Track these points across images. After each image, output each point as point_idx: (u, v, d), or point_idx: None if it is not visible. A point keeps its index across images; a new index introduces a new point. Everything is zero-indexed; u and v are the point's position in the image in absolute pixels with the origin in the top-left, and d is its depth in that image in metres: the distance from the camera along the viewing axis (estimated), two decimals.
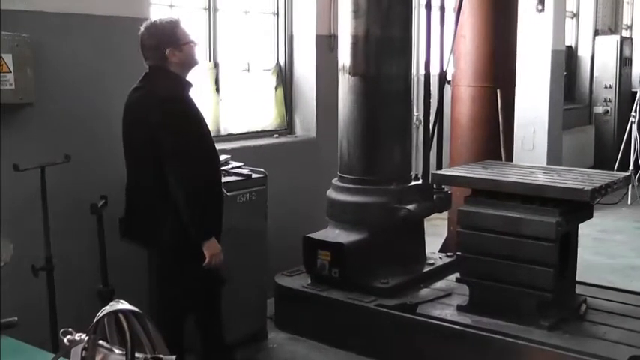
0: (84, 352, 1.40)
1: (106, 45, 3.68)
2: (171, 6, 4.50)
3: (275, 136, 5.25)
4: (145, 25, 3.19)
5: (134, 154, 3.20)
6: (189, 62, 3.20)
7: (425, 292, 4.13)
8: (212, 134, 4.67)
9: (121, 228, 3.31)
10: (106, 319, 1.51)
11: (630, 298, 4.10)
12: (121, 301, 2.22)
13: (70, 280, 3.51)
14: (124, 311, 1.71)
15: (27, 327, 2.45)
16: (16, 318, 2.65)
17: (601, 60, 9.96)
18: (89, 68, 3.68)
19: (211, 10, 4.76)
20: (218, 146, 4.46)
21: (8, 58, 3.21)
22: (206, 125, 3.25)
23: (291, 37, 5.29)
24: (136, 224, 3.24)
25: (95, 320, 1.47)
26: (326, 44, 5.18)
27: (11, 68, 3.22)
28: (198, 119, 3.17)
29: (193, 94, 3.25)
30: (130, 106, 3.18)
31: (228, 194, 3.68)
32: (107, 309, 1.83)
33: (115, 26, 3.40)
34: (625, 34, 11.29)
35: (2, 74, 3.19)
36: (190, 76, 3.24)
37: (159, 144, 3.01)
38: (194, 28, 4.64)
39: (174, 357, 1.42)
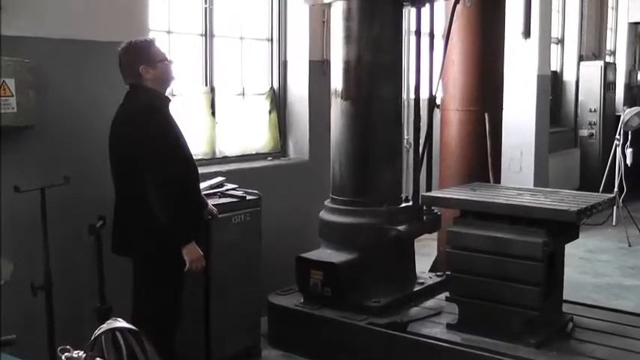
0: None
1: (105, 70, 3.73)
2: (168, 32, 4.59)
3: (269, 158, 5.31)
4: (122, 45, 3.35)
5: (118, 168, 3.32)
6: (164, 79, 3.36)
7: (415, 310, 4.17)
8: (208, 157, 4.83)
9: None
10: (103, 337, 1.57)
11: (616, 317, 4.15)
12: (119, 319, 2.28)
13: (69, 298, 3.55)
14: (121, 329, 1.77)
15: (25, 344, 2.50)
16: (14, 336, 2.71)
17: (586, 84, 10.10)
18: (89, 92, 3.76)
19: (207, 36, 4.85)
20: (213, 168, 4.58)
21: (11, 83, 3.29)
22: (183, 137, 3.36)
23: (285, 62, 5.38)
24: (122, 236, 3.34)
25: (93, 338, 1.53)
26: (319, 69, 5.26)
27: (14, 92, 3.30)
28: (174, 131, 3.30)
29: (172, 108, 3.40)
30: (113, 122, 3.32)
31: (219, 216, 3.77)
32: (104, 327, 1.88)
33: (115, 52, 3.48)
34: (608, 59, 11.45)
35: (5, 98, 3.27)
36: (168, 92, 3.43)
37: (136, 153, 3.15)
38: (191, 54, 4.78)
39: None
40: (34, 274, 3.26)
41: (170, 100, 3.40)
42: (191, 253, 3.23)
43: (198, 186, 3.56)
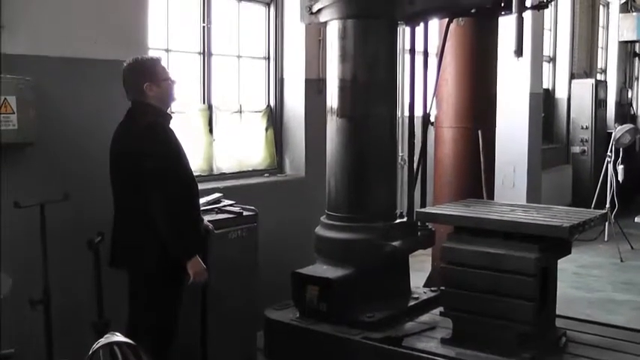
0: None
1: (105, 87, 3.81)
2: (167, 50, 4.66)
3: (266, 175, 5.37)
4: (127, 61, 3.42)
5: (119, 182, 3.38)
6: (167, 97, 3.44)
7: (410, 325, 4.17)
8: (205, 173, 4.88)
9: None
10: (101, 351, 1.61)
11: (608, 331, 4.16)
12: (116, 333, 2.32)
13: (67, 312, 3.58)
14: (118, 343, 1.81)
15: (24, 359, 2.53)
16: (13, 350, 2.74)
17: (577, 102, 10.23)
18: (89, 110, 3.82)
19: (205, 54, 4.93)
20: (211, 185, 4.63)
21: (12, 100, 3.35)
22: (185, 154, 3.43)
23: (282, 80, 5.45)
24: (121, 250, 3.38)
25: (90, 352, 1.57)
26: (315, 87, 5.33)
27: (15, 109, 3.36)
28: (177, 147, 3.36)
29: (173, 126, 3.47)
30: (116, 137, 3.38)
31: (216, 232, 3.81)
32: (102, 341, 1.92)
33: (114, 70, 3.54)
34: (599, 77, 11.60)
35: (6, 115, 3.32)
36: (169, 110, 3.51)
37: (141, 169, 3.19)
38: (189, 72, 4.84)
39: None
40: (33, 288, 3.29)
41: (171, 117, 3.47)
42: (195, 267, 3.29)
43: (199, 201, 3.61)
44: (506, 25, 5.34)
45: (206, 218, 3.84)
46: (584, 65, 10.83)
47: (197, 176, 3.93)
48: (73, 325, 3.58)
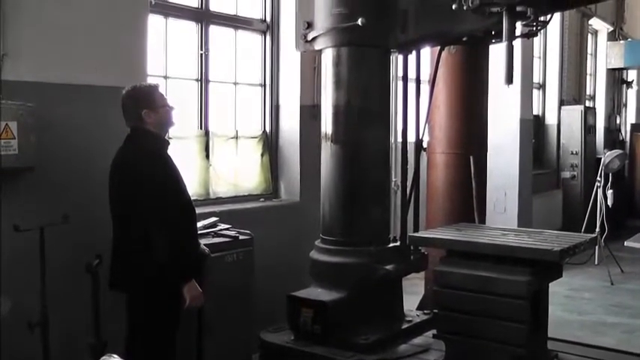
0: None
1: (105, 114, 3.87)
2: (165, 77, 4.74)
3: (261, 199, 5.41)
4: (126, 89, 3.49)
5: (119, 206, 3.42)
6: (165, 123, 3.50)
7: (403, 347, 4.18)
8: (202, 198, 4.93)
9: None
10: None
11: (599, 354, 4.20)
12: (113, 355, 2.36)
13: (65, 334, 3.60)
14: None
15: None
16: None
17: (567, 128, 10.34)
18: (88, 135, 3.87)
19: (203, 81, 5.01)
20: (207, 209, 4.68)
21: (13, 125, 3.40)
22: (182, 179, 3.49)
23: (277, 106, 5.52)
24: (120, 273, 3.42)
25: None
26: (309, 113, 5.39)
27: (15, 135, 3.41)
28: (175, 173, 3.42)
29: (171, 151, 3.53)
30: (115, 162, 3.44)
31: (212, 255, 3.86)
32: None
33: (114, 96, 3.60)
34: (588, 104, 11.74)
35: (7, 140, 3.37)
36: (167, 136, 3.59)
37: (140, 194, 3.25)
38: (186, 98, 4.92)
39: None
40: (32, 311, 3.32)
41: (169, 143, 3.54)
42: (191, 291, 3.33)
43: (196, 226, 3.66)
44: (496, 52, 5.47)
45: (202, 242, 3.89)
46: (573, 92, 10.95)
47: (194, 201, 3.99)
48: (71, 347, 3.60)
